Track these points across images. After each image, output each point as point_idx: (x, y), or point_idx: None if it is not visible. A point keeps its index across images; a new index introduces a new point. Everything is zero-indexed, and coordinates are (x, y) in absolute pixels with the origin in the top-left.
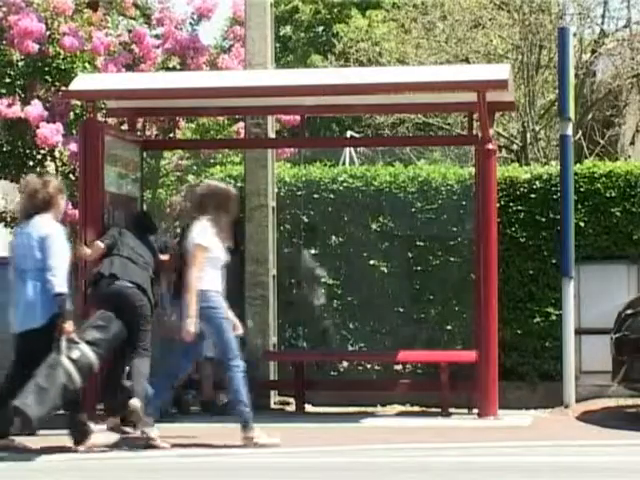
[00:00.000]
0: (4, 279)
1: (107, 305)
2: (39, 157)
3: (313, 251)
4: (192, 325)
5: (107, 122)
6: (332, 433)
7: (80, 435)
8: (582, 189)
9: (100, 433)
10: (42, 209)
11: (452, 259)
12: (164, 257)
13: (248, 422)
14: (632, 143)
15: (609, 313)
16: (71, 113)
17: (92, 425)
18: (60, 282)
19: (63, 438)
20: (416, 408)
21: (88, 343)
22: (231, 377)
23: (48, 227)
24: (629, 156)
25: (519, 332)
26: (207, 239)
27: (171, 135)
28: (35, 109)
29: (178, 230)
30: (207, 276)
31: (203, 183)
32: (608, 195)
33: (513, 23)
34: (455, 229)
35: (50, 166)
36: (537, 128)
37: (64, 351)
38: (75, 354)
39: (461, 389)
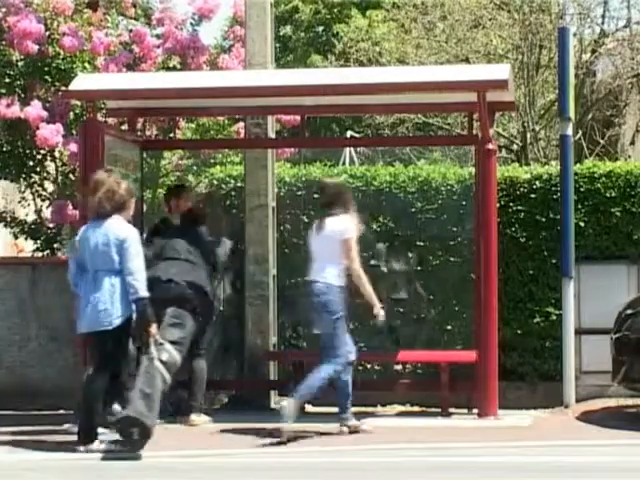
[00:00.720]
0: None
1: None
2: (39, 157)
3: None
4: (380, 309)
5: (107, 122)
6: (332, 433)
7: (88, 436)
8: (582, 189)
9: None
10: (116, 210)
11: (452, 259)
12: None
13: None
14: (632, 143)
15: (609, 313)
16: (71, 113)
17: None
18: (142, 286)
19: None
20: (416, 408)
21: (172, 343)
22: (323, 369)
23: (126, 230)
24: (629, 156)
25: (519, 332)
26: (355, 233)
27: (171, 135)
28: (34, 110)
29: None
30: (340, 271)
31: (327, 181)
32: (608, 195)
33: (513, 23)
34: (455, 229)
35: (50, 166)
36: (537, 128)
37: (155, 354)
38: (164, 356)
39: (461, 389)
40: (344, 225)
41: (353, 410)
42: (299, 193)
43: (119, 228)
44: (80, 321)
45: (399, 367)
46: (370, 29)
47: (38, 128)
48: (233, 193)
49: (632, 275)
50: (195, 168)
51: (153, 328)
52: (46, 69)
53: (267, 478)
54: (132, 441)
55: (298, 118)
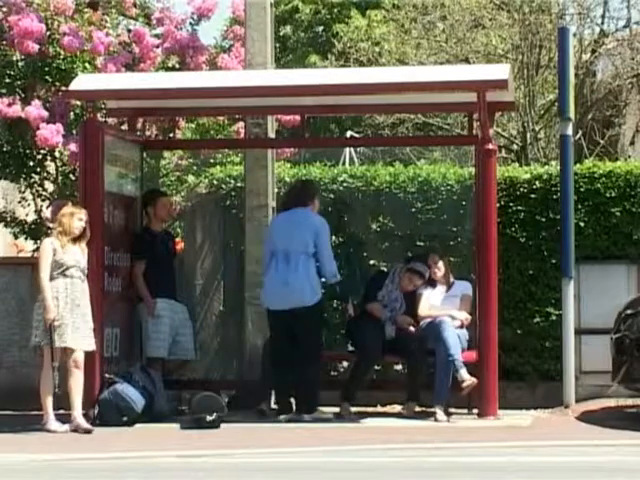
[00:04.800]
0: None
1: None
2: (39, 157)
3: None
4: None
5: (107, 122)
6: (332, 433)
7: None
8: (582, 189)
9: None
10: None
11: (452, 259)
12: None
13: None
14: (632, 143)
15: (609, 313)
16: (71, 113)
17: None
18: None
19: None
20: (416, 408)
21: None
22: None
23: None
24: (629, 156)
25: (519, 332)
26: None
27: (171, 135)
28: (35, 110)
29: (178, 230)
30: None
31: None
32: (608, 195)
33: (513, 23)
34: (455, 229)
35: (50, 166)
36: (537, 128)
37: None
38: None
39: (461, 389)
40: None
41: (353, 410)
42: None
43: (314, 217)
44: (281, 299)
45: (399, 367)
46: (369, 29)
47: (39, 128)
48: (233, 193)
49: (632, 275)
50: (195, 168)
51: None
52: (46, 69)
53: (267, 478)
54: None
55: (298, 118)
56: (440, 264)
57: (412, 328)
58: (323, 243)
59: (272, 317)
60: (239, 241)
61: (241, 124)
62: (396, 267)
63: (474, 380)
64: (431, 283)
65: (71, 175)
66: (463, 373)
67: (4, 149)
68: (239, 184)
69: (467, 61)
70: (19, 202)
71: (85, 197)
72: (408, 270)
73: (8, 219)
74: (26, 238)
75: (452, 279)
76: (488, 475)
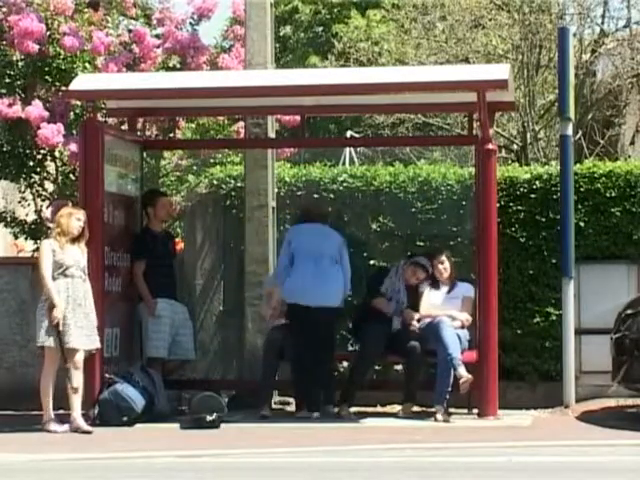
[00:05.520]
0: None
1: None
2: (39, 157)
3: None
4: None
5: (107, 122)
6: (332, 433)
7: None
8: (582, 189)
9: None
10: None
11: (452, 259)
12: None
13: None
14: (632, 143)
15: (609, 313)
16: (71, 113)
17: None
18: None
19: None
20: (416, 408)
21: None
22: None
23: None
24: (629, 156)
25: (519, 332)
26: None
27: (171, 135)
28: (35, 109)
29: (178, 230)
30: None
31: None
32: (608, 195)
33: (513, 23)
34: (455, 229)
35: (50, 166)
36: (537, 128)
37: None
38: None
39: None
40: None
41: (353, 410)
42: (299, 193)
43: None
44: (312, 295)
45: (399, 367)
46: (369, 29)
47: (39, 127)
48: (233, 193)
49: (632, 275)
50: (195, 168)
51: None
52: (46, 69)
53: (267, 478)
54: None
55: (298, 118)
56: (447, 265)
57: (415, 323)
58: (344, 257)
59: (293, 313)
60: (239, 241)
61: (241, 124)
62: (400, 262)
63: (470, 377)
64: (434, 282)
65: (71, 175)
66: (461, 371)
67: (4, 149)
68: (239, 184)
69: (467, 61)
70: (19, 202)
71: (85, 197)
72: (412, 263)
73: (8, 219)
74: (26, 238)
75: (454, 280)
76: (488, 475)
